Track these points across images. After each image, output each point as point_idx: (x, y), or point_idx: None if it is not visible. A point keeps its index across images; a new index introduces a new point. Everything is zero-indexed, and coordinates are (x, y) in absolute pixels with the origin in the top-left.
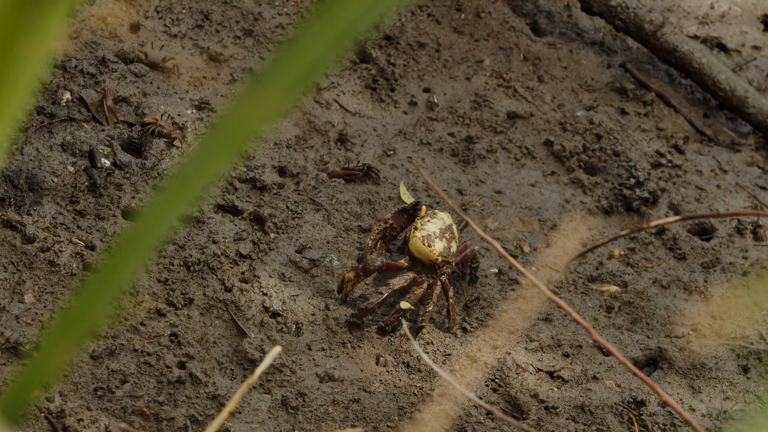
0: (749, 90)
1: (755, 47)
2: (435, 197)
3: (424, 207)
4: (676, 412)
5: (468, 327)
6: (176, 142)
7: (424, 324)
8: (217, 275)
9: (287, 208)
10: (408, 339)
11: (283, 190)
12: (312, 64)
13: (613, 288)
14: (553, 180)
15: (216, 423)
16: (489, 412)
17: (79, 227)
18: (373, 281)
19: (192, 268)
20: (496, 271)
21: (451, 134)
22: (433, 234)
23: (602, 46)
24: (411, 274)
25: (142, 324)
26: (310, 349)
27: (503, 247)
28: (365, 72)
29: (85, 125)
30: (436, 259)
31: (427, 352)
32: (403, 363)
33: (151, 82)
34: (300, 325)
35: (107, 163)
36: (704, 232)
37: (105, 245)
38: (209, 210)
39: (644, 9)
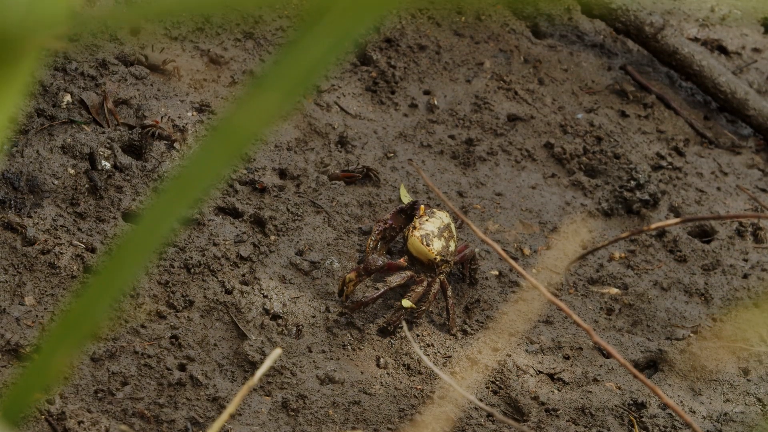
0: (750, 92)
1: (756, 50)
2: (435, 199)
3: (422, 206)
4: (677, 414)
5: (468, 329)
6: (176, 145)
7: (418, 319)
8: (217, 277)
9: (288, 210)
10: (409, 341)
11: (284, 193)
12: (311, 66)
13: (614, 290)
14: (553, 182)
15: (216, 425)
16: (489, 415)
17: (79, 229)
18: (372, 281)
19: (192, 270)
20: (497, 273)
21: (452, 136)
22: (432, 233)
23: (603, 48)
24: (408, 272)
25: (142, 326)
26: (310, 352)
27: (504, 250)
28: (366, 74)
29: (86, 127)
30: (435, 258)
31: (428, 355)
32: (404, 365)
33: (151, 85)
34: (300, 327)
35: (108, 165)
36: (705, 235)
37: (105, 247)
38: (210, 212)
39: (645, 11)
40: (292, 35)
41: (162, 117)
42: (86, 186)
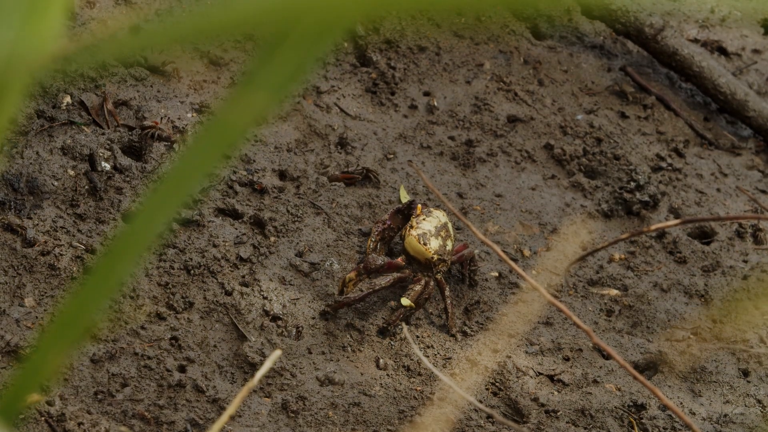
0: (749, 94)
1: (755, 51)
2: (435, 201)
3: (419, 205)
4: (677, 415)
5: (468, 330)
6: (176, 146)
7: (413, 315)
8: (217, 279)
9: (287, 211)
10: (408, 342)
11: (284, 194)
12: (299, 64)
13: (614, 291)
14: (553, 183)
15: (216, 427)
16: (489, 416)
17: (79, 231)
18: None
19: (192, 271)
20: (497, 274)
21: (452, 138)
22: (429, 232)
23: (602, 49)
24: (396, 274)
25: (142, 327)
26: (310, 353)
27: (503, 251)
28: (365, 75)
29: (86, 129)
30: (432, 258)
31: (428, 356)
32: (404, 366)
33: (151, 86)
34: (300, 328)
35: (107, 166)
36: (704, 236)
37: (104, 248)
38: (209, 213)
39: (644, 13)
40: (281, 33)
41: (162, 118)
42: (86, 187)
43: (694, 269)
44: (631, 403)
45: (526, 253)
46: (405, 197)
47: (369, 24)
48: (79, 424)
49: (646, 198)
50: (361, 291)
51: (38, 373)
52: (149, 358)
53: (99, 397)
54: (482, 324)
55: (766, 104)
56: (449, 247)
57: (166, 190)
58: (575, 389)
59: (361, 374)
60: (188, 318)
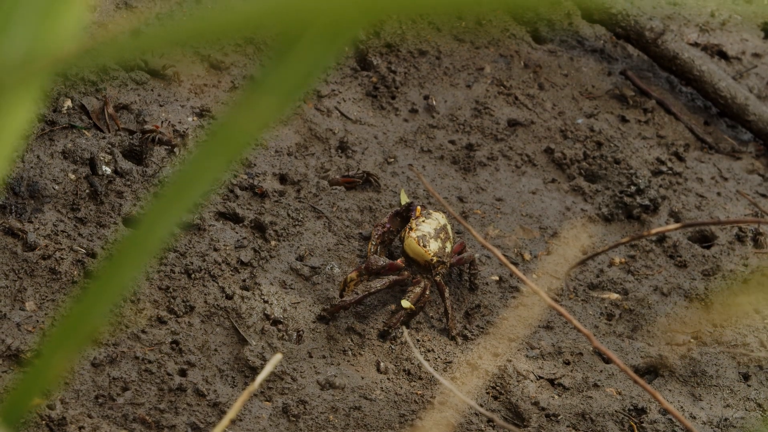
0: (750, 97)
1: (756, 55)
2: (436, 204)
3: (418, 207)
4: (677, 419)
5: (469, 334)
6: (177, 150)
7: (414, 317)
8: (218, 283)
9: (288, 215)
10: (409, 346)
11: (284, 198)
12: (308, 70)
13: (614, 295)
14: (553, 187)
15: (217, 430)
16: (490, 420)
17: (80, 235)
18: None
19: (193, 275)
20: (497, 278)
21: (452, 142)
22: (428, 234)
23: (603, 53)
24: (392, 277)
25: (143, 331)
26: (311, 357)
27: (504, 255)
28: (366, 79)
29: (86, 133)
30: (431, 259)
31: (428, 360)
32: (404, 370)
33: (152, 90)
34: (301, 332)
35: (108, 170)
36: (705, 240)
37: (106, 252)
38: (210, 217)
39: (645, 16)
40: (288, 40)
41: (162, 122)
42: (87, 191)
43: (694, 273)
44: (631, 407)
45: (527, 256)
46: (405, 201)
47: (369, 28)
48: (80, 428)
49: (647, 202)
50: (356, 294)
51: (41, 378)
52: (150, 362)
53: (100, 401)
54: (483, 328)
55: (767, 108)
56: (448, 249)
57: (172, 195)
58: (576, 393)
59: (362, 378)
60: (189, 322)
